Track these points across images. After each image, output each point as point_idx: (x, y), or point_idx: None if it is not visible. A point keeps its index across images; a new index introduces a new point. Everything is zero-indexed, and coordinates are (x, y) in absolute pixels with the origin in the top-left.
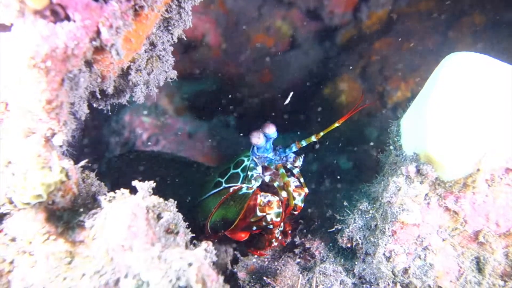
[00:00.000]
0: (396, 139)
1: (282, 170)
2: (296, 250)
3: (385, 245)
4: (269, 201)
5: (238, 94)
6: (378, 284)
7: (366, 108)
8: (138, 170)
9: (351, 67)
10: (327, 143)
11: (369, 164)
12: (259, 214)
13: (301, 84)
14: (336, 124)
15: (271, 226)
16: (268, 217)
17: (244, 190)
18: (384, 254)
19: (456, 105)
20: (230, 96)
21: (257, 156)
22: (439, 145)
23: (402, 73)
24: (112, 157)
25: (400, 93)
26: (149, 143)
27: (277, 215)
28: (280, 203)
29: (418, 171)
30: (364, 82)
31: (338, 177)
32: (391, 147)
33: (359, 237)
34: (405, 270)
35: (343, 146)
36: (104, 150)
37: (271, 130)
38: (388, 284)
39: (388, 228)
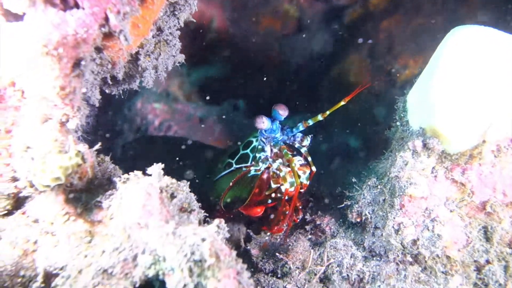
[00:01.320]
0: (402, 115)
1: (285, 150)
2: (307, 227)
3: (394, 218)
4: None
5: (247, 78)
6: (387, 256)
7: (375, 87)
8: (152, 154)
9: (359, 47)
10: (335, 123)
11: (377, 142)
12: (273, 186)
13: (309, 66)
14: (342, 103)
15: (286, 197)
16: (283, 188)
17: (252, 173)
18: (393, 227)
19: (461, 78)
20: (239, 80)
21: (264, 137)
22: (445, 118)
23: (411, 51)
24: (126, 143)
25: (408, 71)
26: (161, 129)
27: (292, 184)
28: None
29: (425, 145)
30: (373, 61)
31: (347, 156)
32: (398, 123)
33: (368, 212)
34: (414, 242)
35: (352, 126)
36: (117, 137)
37: (283, 111)
38: (398, 256)
39: (397, 202)
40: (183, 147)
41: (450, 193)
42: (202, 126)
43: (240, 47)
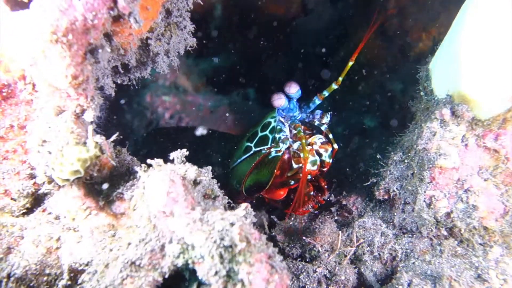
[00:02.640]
0: (426, 84)
1: (299, 128)
2: (333, 208)
3: (425, 192)
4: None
5: (256, 66)
6: (420, 232)
7: (389, 63)
8: (166, 145)
9: (368, 24)
10: (350, 104)
11: (396, 118)
12: (295, 166)
13: (318, 49)
14: (351, 63)
15: (309, 176)
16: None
17: (273, 154)
18: (424, 201)
19: (492, 37)
20: (247, 69)
21: (282, 116)
22: (475, 82)
23: (423, 24)
24: (139, 137)
25: (421, 44)
26: (172, 121)
27: (314, 163)
28: (314, 152)
29: (453, 113)
30: (384, 37)
31: (365, 135)
32: (422, 93)
33: (396, 188)
34: (448, 215)
35: (367, 104)
36: (129, 132)
37: (294, 89)
38: (431, 230)
39: (426, 175)
40: (197, 135)
41: (483, 161)
42: (213, 116)
43: (246, 34)
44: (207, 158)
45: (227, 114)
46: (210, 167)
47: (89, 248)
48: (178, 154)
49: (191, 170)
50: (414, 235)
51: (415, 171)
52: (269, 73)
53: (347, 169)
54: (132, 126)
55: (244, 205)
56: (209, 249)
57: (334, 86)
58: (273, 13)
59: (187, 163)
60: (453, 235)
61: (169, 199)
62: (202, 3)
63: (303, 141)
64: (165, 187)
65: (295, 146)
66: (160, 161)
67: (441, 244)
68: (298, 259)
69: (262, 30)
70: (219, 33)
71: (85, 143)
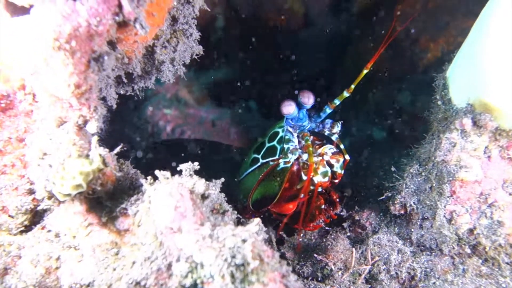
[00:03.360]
0: (443, 93)
1: (306, 138)
2: (345, 224)
3: (445, 206)
4: (314, 162)
5: (257, 78)
6: (441, 250)
7: (397, 74)
8: (168, 158)
9: (372, 36)
10: (356, 115)
11: (405, 130)
12: (304, 178)
13: (321, 61)
14: (365, 71)
15: (319, 189)
16: (316, 179)
17: (282, 165)
18: (444, 217)
19: None
20: (249, 80)
21: (291, 125)
22: (499, 89)
23: (431, 33)
24: (138, 152)
25: (430, 54)
26: (174, 135)
27: (324, 174)
28: (325, 162)
29: (475, 123)
30: (390, 48)
31: (373, 148)
32: (439, 102)
33: (413, 202)
34: (471, 231)
35: (375, 115)
36: (129, 147)
37: (308, 98)
38: (453, 248)
39: (446, 188)
40: (200, 150)
41: (507, 174)
42: (216, 129)
43: (247, 45)
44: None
45: (231, 127)
46: (219, 181)
47: (90, 268)
48: (188, 167)
49: (200, 184)
50: (434, 253)
51: (434, 185)
52: (271, 84)
53: (360, 182)
54: (132, 141)
55: (256, 220)
56: (219, 268)
57: (346, 94)
58: (274, 24)
59: (195, 176)
60: (477, 253)
61: (177, 214)
62: (208, 9)
63: (310, 149)
64: (173, 201)
65: (305, 157)
66: (167, 173)
67: (464, 263)
68: (310, 278)
69: (264, 41)
70: (221, 44)
71: (87, 156)
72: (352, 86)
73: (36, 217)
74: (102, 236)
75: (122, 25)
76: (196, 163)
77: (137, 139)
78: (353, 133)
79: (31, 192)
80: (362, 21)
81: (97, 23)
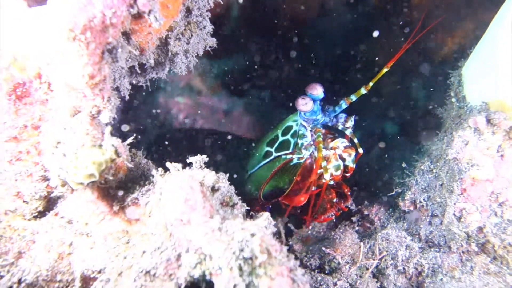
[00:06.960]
0: (458, 90)
1: (318, 133)
2: (354, 218)
3: (455, 204)
4: (326, 156)
5: (271, 67)
6: (449, 247)
7: (412, 67)
8: (180, 148)
9: (390, 28)
10: (368, 108)
11: (418, 125)
12: (318, 171)
13: (336, 52)
14: (385, 69)
15: (331, 182)
16: (328, 172)
17: (295, 161)
18: (454, 214)
19: None
20: (263, 70)
21: (305, 119)
22: None
23: (447, 27)
24: (152, 139)
25: (446, 48)
26: (186, 123)
27: (337, 168)
28: (338, 156)
29: (489, 121)
30: (405, 42)
31: (386, 142)
32: (453, 99)
33: (423, 199)
34: (480, 229)
35: (388, 109)
36: (141, 134)
37: (318, 91)
38: (462, 245)
39: (457, 186)
40: (211, 140)
41: None
42: (228, 118)
43: (262, 35)
44: (223, 162)
45: (243, 116)
46: (227, 174)
47: (102, 255)
48: (198, 159)
49: (210, 176)
50: (442, 250)
51: (444, 182)
52: (284, 74)
53: (370, 177)
54: (144, 128)
55: (265, 214)
56: (227, 261)
57: (363, 91)
58: (290, 13)
59: (205, 169)
60: (485, 251)
61: (187, 207)
62: (222, 2)
63: (320, 145)
64: (183, 193)
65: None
66: (178, 165)
67: (471, 260)
68: (317, 270)
69: (279, 31)
70: (235, 34)
71: (100, 146)
72: (371, 84)
73: (50, 203)
74: (113, 225)
75: (137, 16)
76: (205, 156)
77: (148, 126)
78: (365, 127)
79: (45, 178)
80: (377, 13)
81: (112, 14)
